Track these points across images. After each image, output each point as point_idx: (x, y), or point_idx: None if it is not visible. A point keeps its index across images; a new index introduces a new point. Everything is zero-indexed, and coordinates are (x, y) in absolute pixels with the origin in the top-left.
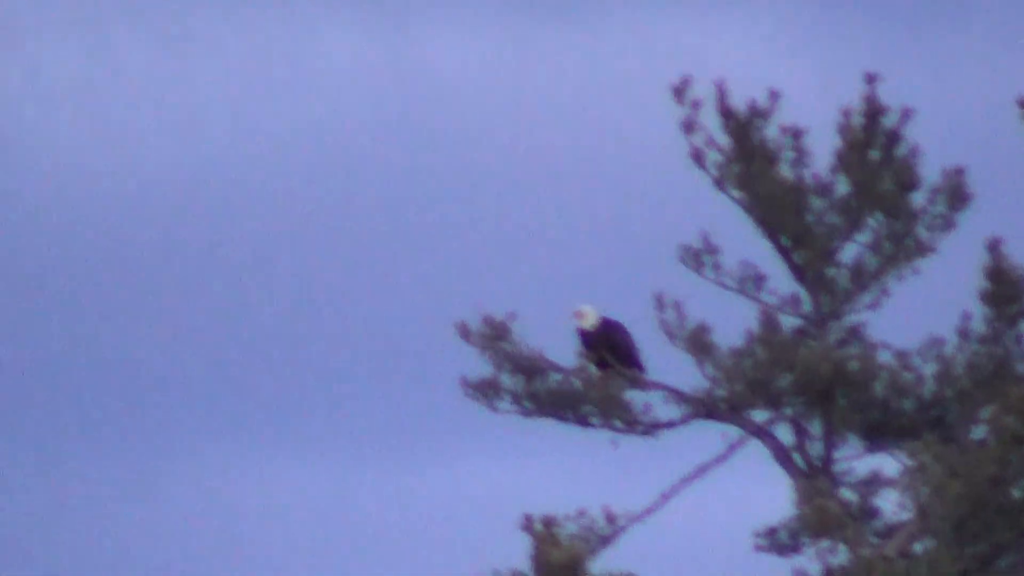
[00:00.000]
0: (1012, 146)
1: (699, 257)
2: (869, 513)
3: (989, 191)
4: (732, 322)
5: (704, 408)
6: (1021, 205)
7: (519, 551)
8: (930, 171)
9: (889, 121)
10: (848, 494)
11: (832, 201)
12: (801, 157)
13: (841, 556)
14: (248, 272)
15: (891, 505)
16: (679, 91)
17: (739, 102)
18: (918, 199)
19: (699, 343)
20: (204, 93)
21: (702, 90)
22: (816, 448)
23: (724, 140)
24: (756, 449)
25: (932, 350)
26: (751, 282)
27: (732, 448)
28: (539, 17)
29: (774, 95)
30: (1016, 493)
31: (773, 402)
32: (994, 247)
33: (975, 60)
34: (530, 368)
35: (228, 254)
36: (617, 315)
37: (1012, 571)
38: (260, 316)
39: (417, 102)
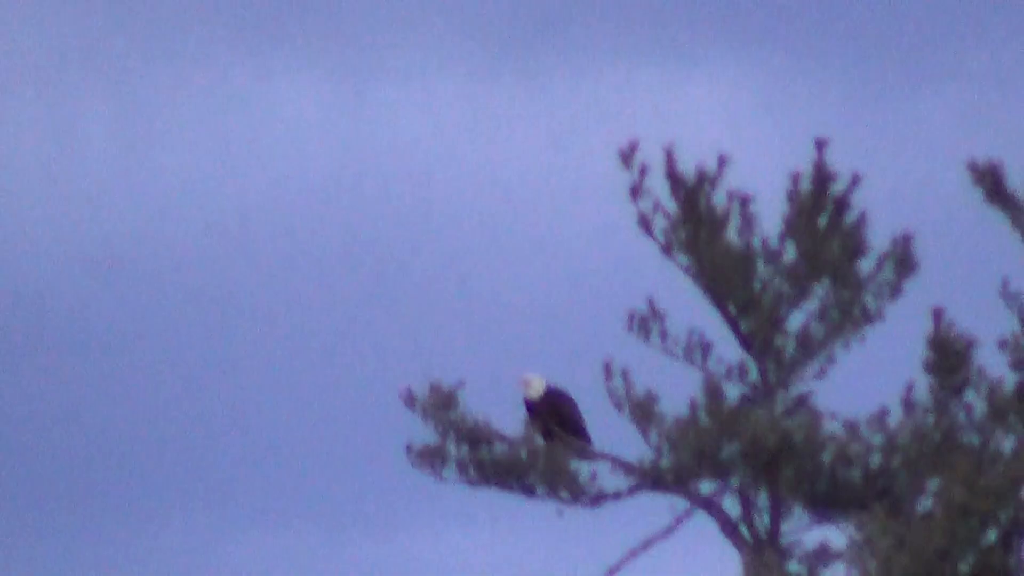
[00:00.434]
0: (961, 213)
1: (646, 324)
2: None
3: (938, 258)
4: (679, 391)
5: (650, 479)
6: (970, 273)
7: None
8: (878, 237)
9: (838, 187)
10: (796, 567)
11: (779, 268)
12: (749, 223)
13: None
14: (202, 337)
15: None
16: (626, 156)
17: (687, 167)
18: (865, 266)
19: (645, 412)
20: (162, 154)
21: (650, 155)
22: (763, 520)
23: (671, 206)
24: (703, 521)
25: (878, 420)
26: (698, 350)
27: (679, 520)
28: (496, 79)
29: (722, 160)
30: (963, 567)
31: (719, 472)
32: (937, 316)
33: (924, 126)
34: (476, 437)
35: (183, 318)
36: (565, 383)
37: None
38: (206, 379)
39: (371, 162)
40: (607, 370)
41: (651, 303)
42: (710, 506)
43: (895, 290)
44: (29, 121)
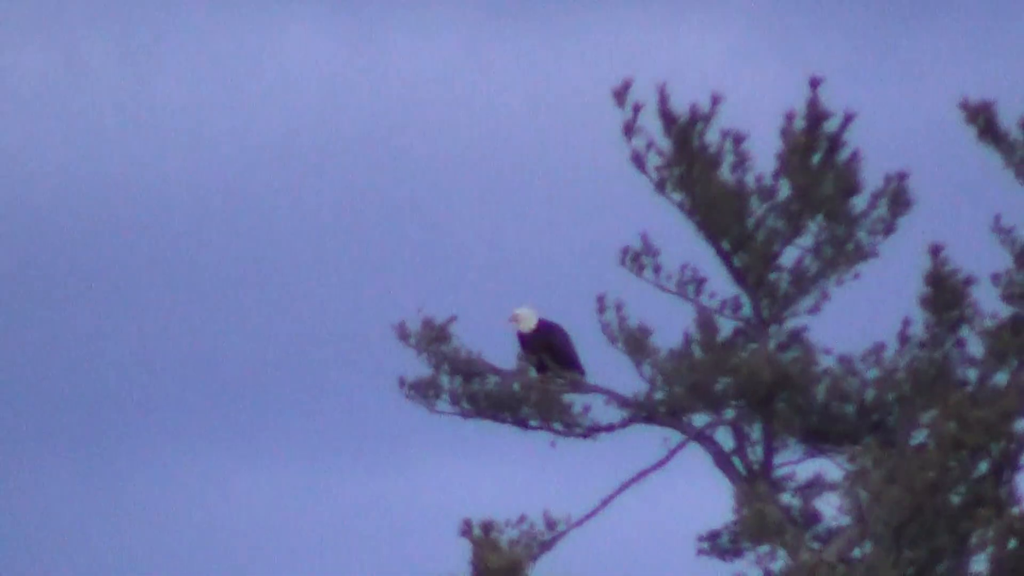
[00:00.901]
0: (954, 150)
1: (639, 260)
2: (810, 518)
3: (931, 196)
4: (672, 325)
5: (644, 411)
6: (963, 210)
7: (459, 556)
8: (872, 175)
9: (831, 125)
10: (789, 499)
11: (773, 205)
12: (742, 161)
13: (780, 561)
14: (197, 273)
15: (832, 510)
16: (620, 94)
17: (681, 105)
18: (859, 203)
19: (639, 345)
20: (168, 95)
21: (644, 93)
22: (756, 452)
23: (665, 144)
24: (696, 453)
25: (873, 355)
26: (691, 285)
27: (672, 452)
28: (499, 19)
29: (716, 99)
30: (955, 498)
31: (713, 406)
32: (935, 252)
33: (919, 64)
34: (469, 370)
35: (180, 255)
36: (558, 317)
37: None
38: (204, 318)
39: (373, 100)
40: (600, 303)
41: (644, 238)
42: (703, 439)
43: (889, 227)
44: (33, 51)
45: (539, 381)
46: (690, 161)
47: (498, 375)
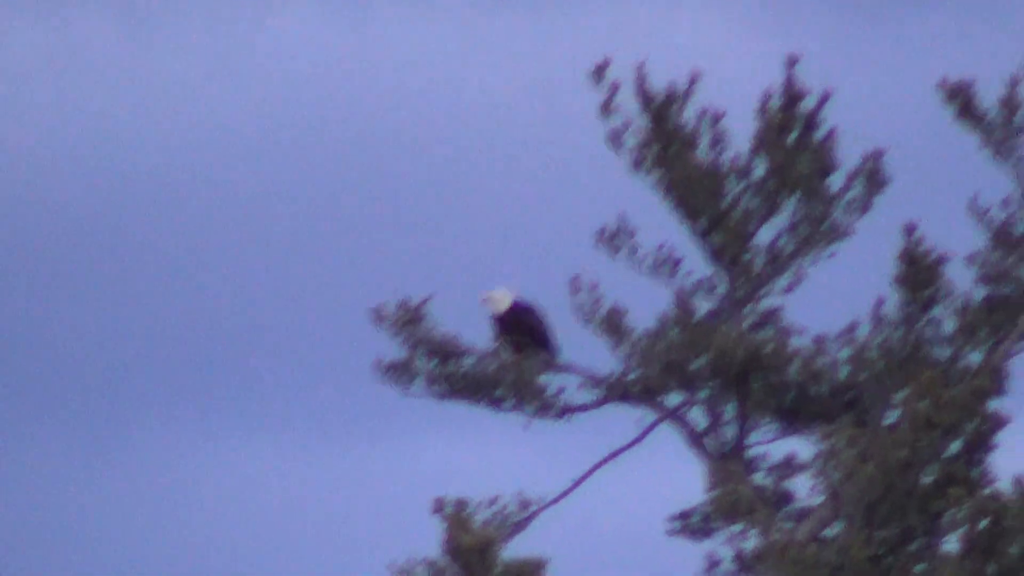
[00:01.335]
0: (932, 130)
1: (615, 240)
2: (783, 498)
3: (908, 175)
4: (647, 305)
5: (617, 391)
6: (939, 190)
7: (432, 535)
8: (848, 154)
9: (808, 104)
10: (762, 478)
11: (749, 184)
12: (719, 140)
13: (752, 541)
14: (178, 253)
15: (805, 489)
16: (597, 73)
17: (658, 84)
18: (835, 182)
19: (613, 326)
20: (161, 73)
21: (621, 72)
22: (730, 432)
23: (642, 123)
24: (669, 433)
25: (846, 334)
26: (666, 265)
27: (645, 432)
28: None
29: (693, 78)
30: (927, 478)
31: (687, 385)
32: (909, 231)
33: (896, 43)
34: (444, 351)
35: (167, 236)
36: (533, 297)
37: (921, 555)
38: (184, 298)
39: (355, 83)
40: (575, 284)
41: (621, 218)
42: (677, 418)
43: (865, 206)
44: (29, 29)
45: (513, 362)
46: (667, 140)
47: (473, 356)
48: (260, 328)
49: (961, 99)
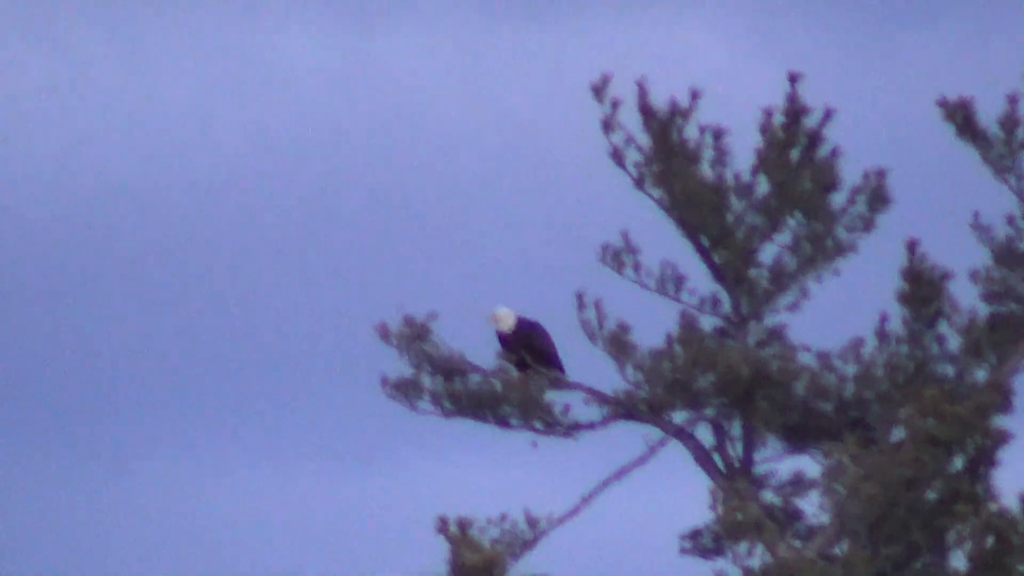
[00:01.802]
0: (932, 147)
1: (619, 257)
2: (792, 515)
3: (910, 193)
4: (652, 323)
5: (624, 409)
6: (941, 207)
7: (438, 553)
8: (851, 172)
9: (810, 121)
10: (770, 496)
11: (752, 201)
12: (721, 156)
13: (759, 558)
14: (188, 273)
15: (812, 507)
16: (599, 90)
17: (660, 101)
18: (838, 200)
19: (619, 343)
20: (167, 95)
21: (623, 89)
22: (736, 449)
23: (644, 139)
24: (676, 450)
25: (852, 351)
26: (671, 282)
27: (652, 450)
28: (496, 18)
29: (695, 94)
30: (931, 494)
31: (693, 403)
32: (912, 248)
33: (898, 61)
34: (450, 369)
35: (175, 256)
36: (537, 315)
37: (927, 573)
38: (191, 317)
39: (362, 99)
40: (580, 301)
41: (625, 236)
42: (684, 436)
43: (868, 224)
44: (33, 52)
45: (520, 380)
46: (669, 157)
47: (479, 373)
48: (266, 346)
49: (961, 117)
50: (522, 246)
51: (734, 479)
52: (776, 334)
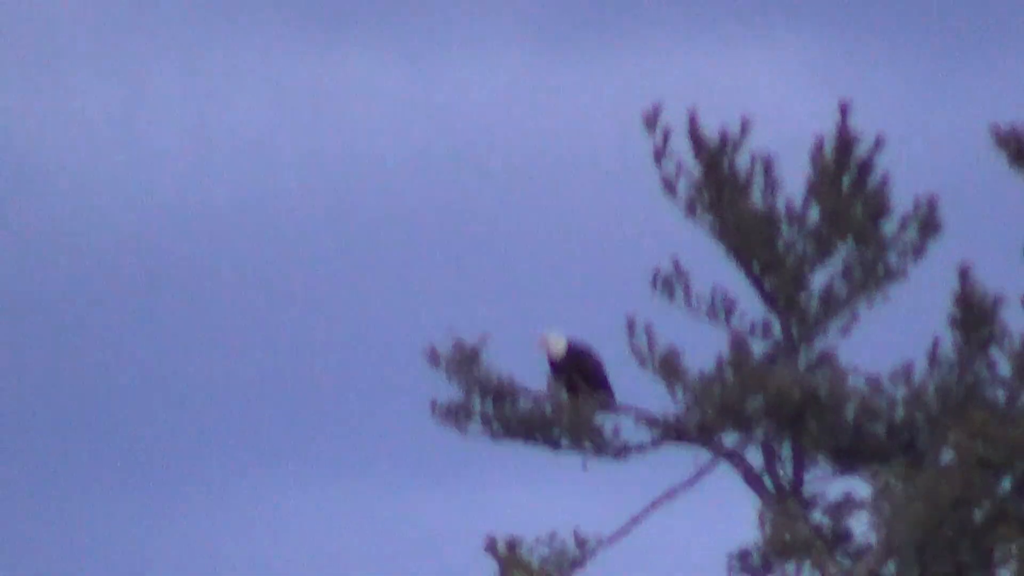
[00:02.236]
0: (985, 175)
1: (670, 283)
2: (841, 536)
3: (961, 220)
4: (703, 348)
5: (674, 432)
6: (992, 234)
7: (487, 574)
8: (901, 199)
9: (861, 150)
10: (819, 517)
11: (803, 229)
12: (772, 185)
13: None
14: (249, 295)
15: (862, 528)
16: (650, 120)
17: (711, 130)
18: (889, 226)
19: (670, 367)
20: (233, 125)
21: (674, 118)
22: (786, 471)
23: (695, 168)
24: (726, 472)
25: (902, 375)
26: (722, 308)
27: (702, 471)
28: (550, 47)
29: (745, 123)
30: (978, 515)
31: (743, 426)
32: (964, 273)
33: (950, 88)
34: (500, 392)
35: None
36: (588, 340)
37: None
38: (245, 338)
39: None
40: (630, 326)
41: (675, 262)
42: (733, 457)
43: (919, 250)
44: (100, 81)
45: (570, 403)
46: (720, 185)
47: (529, 397)
48: (315, 369)
49: (1014, 145)
50: (574, 271)
51: (783, 500)
52: (826, 358)
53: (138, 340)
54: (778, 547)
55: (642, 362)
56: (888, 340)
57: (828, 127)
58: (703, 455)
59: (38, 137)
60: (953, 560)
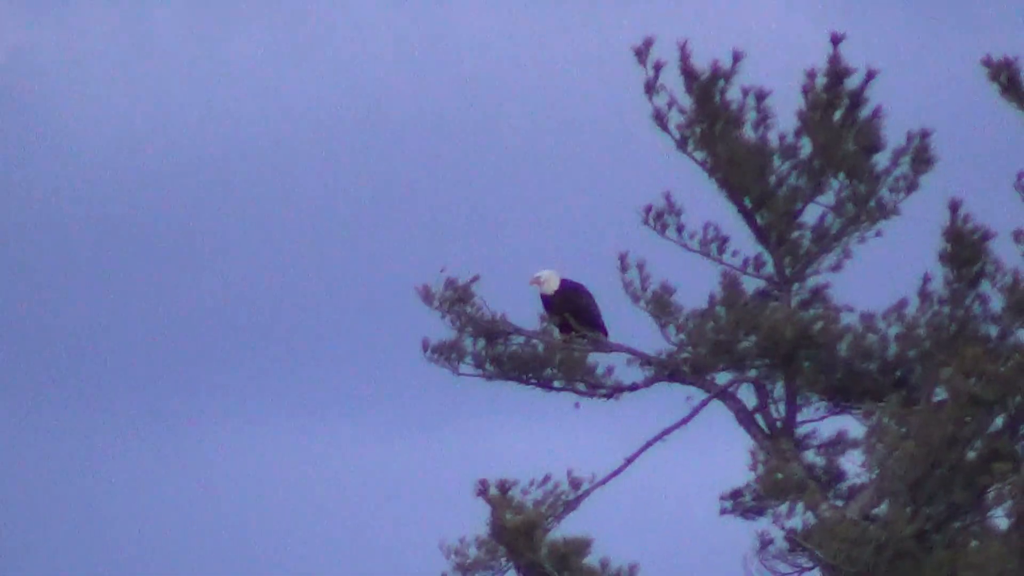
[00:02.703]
0: (976, 107)
1: (662, 219)
2: (834, 475)
3: (953, 153)
4: (695, 284)
5: (667, 370)
6: (985, 167)
7: (483, 516)
8: (894, 133)
9: (853, 83)
10: (812, 456)
11: (795, 163)
12: (764, 119)
13: (800, 518)
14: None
15: (855, 467)
16: (641, 53)
17: (702, 63)
18: (881, 161)
19: (662, 305)
20: (235, 63)
21: (665, 51)
22: (779, 410)
23: (687, 101)
24: (719, 411)
25: (895, 312)
26: (714, 244)
27: (695, 410)
28: None
29: (737, 56)
30: (971, 454)
31: (736, 364)
32: (955, 208)
33: (940, 20)
34: (492, 331)
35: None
36: (580, 277)
37: (968, 531)
38: (229, 282)
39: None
40: (622, 262)
41: (667, 197)
42: (726, 396)
43: (911, 185)
44: (100, 20)
45: (563, 342)
46: (712, 119)
47: (521, 336)
48: (306, 309)
49: (1006, 76)
50: (565, 208)
51: (776, 439)
52: (819, 295)
53: (136, 277)
54: (770, 486)
55: (635, 299)
56: (880, 276)
57: (819, 60)
58: (696, 394)
59: (42, 74)
60: (946, 499)
